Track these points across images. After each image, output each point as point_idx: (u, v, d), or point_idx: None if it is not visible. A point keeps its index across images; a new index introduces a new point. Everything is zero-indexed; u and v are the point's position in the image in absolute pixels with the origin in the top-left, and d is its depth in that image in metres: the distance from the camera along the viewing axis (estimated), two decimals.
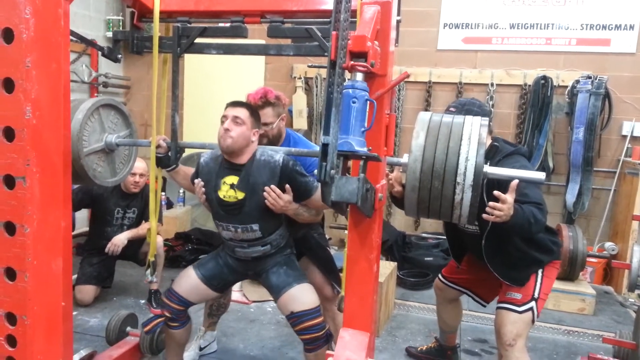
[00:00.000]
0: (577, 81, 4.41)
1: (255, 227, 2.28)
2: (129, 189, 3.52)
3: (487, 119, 1.86)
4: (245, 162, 2.26)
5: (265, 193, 2.19)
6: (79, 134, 2.14)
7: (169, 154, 2.39)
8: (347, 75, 1.50)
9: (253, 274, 2.45)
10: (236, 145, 2.20)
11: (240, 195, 2.24)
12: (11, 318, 1.16)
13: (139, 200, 3.61)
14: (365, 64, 1.45)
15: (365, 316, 1.70)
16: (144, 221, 3.59)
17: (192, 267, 2.46)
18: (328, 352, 1.67)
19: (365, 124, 1.50)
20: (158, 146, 2.36)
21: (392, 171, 2.26)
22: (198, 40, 2.20)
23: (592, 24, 4.56)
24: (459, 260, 2.63)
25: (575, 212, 4.51)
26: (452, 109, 2.36)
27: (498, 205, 1.93)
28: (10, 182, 1.12)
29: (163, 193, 4.56)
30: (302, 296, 2.27)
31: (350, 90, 1.47)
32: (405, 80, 4.90)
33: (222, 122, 2.22)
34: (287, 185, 2.22)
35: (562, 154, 4.67)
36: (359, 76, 1.49)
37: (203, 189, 2.30)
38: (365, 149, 1.49)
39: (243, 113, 2.21)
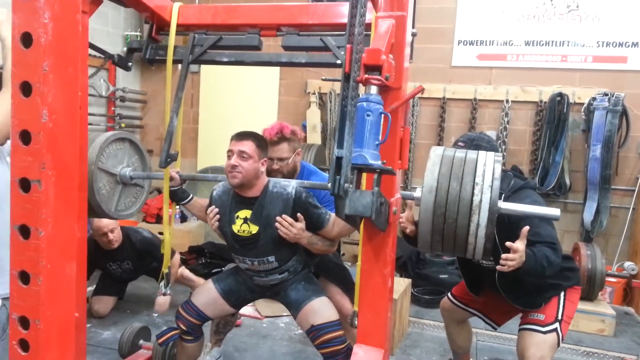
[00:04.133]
0: (594, 98, 4.37)
1: (272, 258, 2.29)
2: (109, 248, 3.33)
3: (500, 154, 1.85)
4: (257, 195, 2.25)
5: (277, 223, 2.19)
6: (102, 145, 2.19)
7: (182, 186, 2.40)
8: (362, 89, 1.51)
9: (271, 295, 2.45)
10: (245, 179, 2.19)
11: (254, 229, 2.24)
12: (24, 322, 1.16)
13: (128, 251, 3.41)
14: (379, 77, 1.45)
15: (380, 332, 1.68)
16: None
17: (212, 281, 2.47)
18: None
19: (380, 138, 1.49)
20: (171, 179, 2.34)
21: (403, 211, 2.26)
22: (210, 50, 2.22)
23: (608, 41, 4.53)
24: (476, 292, 2.55)
25: (594, 231, 4.43)
26: (460, 143, 2.34)
27: (510, 255, 1.91)
28: (25, 185, 1.13)
29: (178, 207, 4.58)
30: (322, 309, 2.26)
31: (364, 104, 1.47)
32: (420, 96, 4.91)
33: (229, 157, 2.20)
34: (299, 214, 2.21)
35: (579, 171, 4.61)
36: (374, 89, 1.49)
37: (217, 217, 2.30)
38: (379, 162, 1.48)
39: (249, 147, 2.19)
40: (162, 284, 2.47)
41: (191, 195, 2.46)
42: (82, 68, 2.01)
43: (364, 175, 1.61)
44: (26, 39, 1.11)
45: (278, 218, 2.19)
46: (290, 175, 2.56)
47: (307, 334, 2.28)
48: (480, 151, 1.75)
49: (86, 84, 2.09)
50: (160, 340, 2.40)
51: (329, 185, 1.39)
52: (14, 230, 1.14)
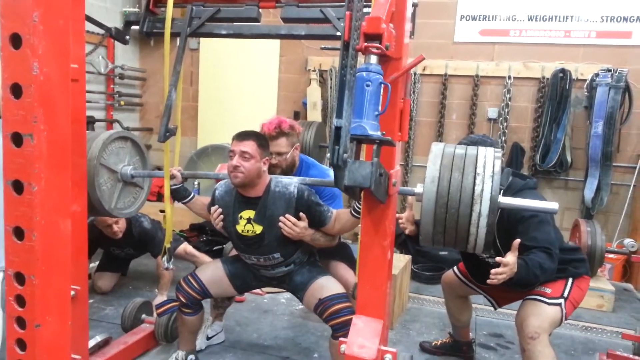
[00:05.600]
0: (597, 74, 4.32)
1: (277, 255, 2.31)
2: (113, 237, 3.30)
3: (500, 150, 1.85)
4: (260, 195, 2.26)
5: (280, 223, 2.21)
6: (105, 142, 2.23)
7: (183, 184, 2.41)
8: (362, 62, 1.48)
9: (277, 284, 2.48)
10: (247, 179, 2.19)
11: (258, 229, 2.26)
12: (20, 278, 1.16)
13: (130, 240, 3.37)
14: (379, 45, 1.43)
15: (379, 303, 1.69)
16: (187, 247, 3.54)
17: (221, 261, 2.51)
18: (341, 339, 1.65)
19: (379, 108, 1.48)
20: (172, 177, 2.34)
21: (403, 210, 2.26)
22: (209, 23, 2.19)
23: (612, 16, 4.46)
24: (482, 283, 2.55)
25: (594, 208, 4.43)
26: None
27: (500, 270, 1.91)
28: (17, 139, 1.12)
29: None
30: (328, 284, 2.29)
31: (364, 74, 1.46)
32: (421, 72, 4.87)
33: (230, 157, 2.20)
34: (302, 213, 2.23)
35: (580, 148, 4.59)
36: (373, 59, 1.47)
37: (221, 216, 2.31)
38: (378, 133, 1.47)
39: (250, 147, 2.18)
40: (164, 258, 2.48)
41: (192, 194, 2.48)
42: (79, 40, 2.00)
43: (364, 146, 1.60)
44: None
45: (281, 218, 2.21)
46: (289, 169, 2.57)
47: (315, 311, 2.28)
48: (480, 147, 1.74)
49: (83, 58, 2.07)
50: (159, 311, 2.43)
51: (329, 180, 1.38)
52: (7, 186, 1.13)
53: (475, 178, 1.60)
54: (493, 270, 1.91)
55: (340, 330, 2.17)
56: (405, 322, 3.35)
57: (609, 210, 4.58)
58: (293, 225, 2.20)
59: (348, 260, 2.65)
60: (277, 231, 2.23)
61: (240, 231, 2.29)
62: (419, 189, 1.69)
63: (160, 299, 3.17)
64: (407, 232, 2.29)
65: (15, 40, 1.08)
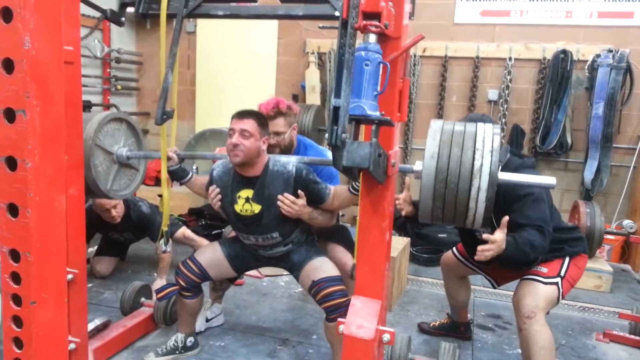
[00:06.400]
0: (598, 55, 4.29)
1: (275, 234, 2.31)
2: (111, 222, 3.28)
3: (499, 127, 1.83)
4: (258, 174, 2.25)
5: (278, 202, 2.20)
6: (100, 122, 2.21)
7: (180, 165, 2.39)
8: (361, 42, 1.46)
9: (275, 263, 2.48)
10: (247, 158, 2.18)
11: (257, 208, 2.25)
12: (15, 255, 1.16)
13: (128, 224, 3.36)
14: (378, 24, 1.40)
15: (377, 284, 1.69)
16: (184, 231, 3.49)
17: (219, 243, 2.51)
18: (340, 319, 1.65)
19: (378, 88, 1.46)
20: (169, 159, 2.32)
21: (401, 192, 2.25)
22: (205, 3, 2.15)
23: None
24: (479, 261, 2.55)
25: (594, 190, 4.43)
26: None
27: (486, 247, 1.89)
28: (10, 115, 1.10)
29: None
30: (323, 265, 2.29)
31: (362, 53, 1.44)
32: (421, 54, 4.83)
33: (230, 136, 2.18)
34: (300, 191, 2.22)
35: (581, 130, 4.57)
36: (372, 38, 1.45)
37: (219, 197, 2.30)
38: (377, 113, 1.45)
39: (250, 125, 2.17)
40: (162, 241, 2.48)
41: (191, 174, 2.46)
42: (73, 22, 1.97)
43: (363, 126, 1.58)
44: None
45: (279, 197, 2.20)
46: (287, 149, 2.56)
47: (309, 291, 2.30)
48: (479, 123, 1.73)
49: (78, 40, 2.03)
50: (159, 295, 2.43)
51: (327, 159, 1.37)
52: (1, 162, 1.12)
53: (474, 153, 1.60)
54: (480, 247, 1.90)
55: (333, 312, 2.18)
56: (404, 304, 3.37)
57: (609, 192, 4.58)
58: (291, 204, 2.20)
59: (346, 243, 2.65)
60: (276, 210, 2.22)
61: (238, 211, 2.28)
62: (417, 166, 1.69)
63: (159, 282, 3.18)
64: (404, 213, 2.28)
65: (6, 14, 1.06)
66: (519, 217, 2.03)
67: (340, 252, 2.61)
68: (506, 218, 1.92)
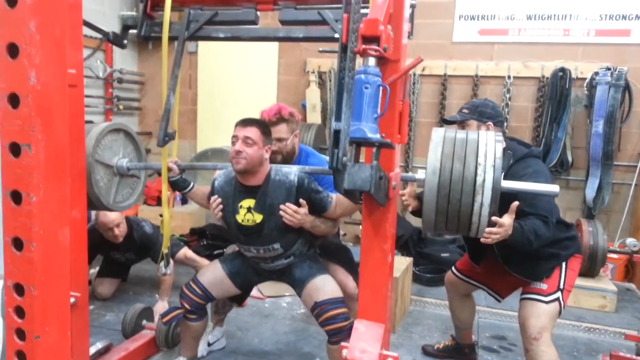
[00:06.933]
0: (596, 73, 4.30)
1: (277, 245, 2.29)
2: (114, 241, 3.28)
3: (501, 134, 1.85)
4: (260, 184, 2.24)
5: (280, 212, 2.19)
6: (98, 137, 2.20)
7: (181, 176, 2.39)
8: (360, 65, 1.47)
9: (277, 277, 2.47)
10: (249, 166, 2.18)
11: (258, 217, 2.24)
12: (19, 289, 1.15)
13: (131, 244, 3.36)
14: (377, 48, 1.42)
15: (380, 307, 1.67)
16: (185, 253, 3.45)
17: (219, 261, 2.49)
18: (343, 343, 1.64)
19: (378, 110, 1.47)
20: (169, 170, 2.33)
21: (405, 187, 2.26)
22: (206, 26, 2.19)
23: (611, 14, 4.45)
24: (477, 262, 2.55)
25: (595, 207, 4.41)
26: (465, 110, 2.32)
27: (494, 230, 1.90)
28: (15, 149, 1.11)
29: None
30: (326, 286, 2.27)
31: (362, 76, 1.45)
32: (420, 73, 4.86)
33: (233, 143, 2.18)
34: (302, 200, 2.21)
35: (581, 147, 4.57)
36: (372, 61, 1.46)
37: (220, 206, 2.29)
38: (378, 136, 1.46)
39: (254, 133, 2.17)
40: (162, 264, 2.47)
41: (192, 184, 2.45)
42: (76, 45, 1.99)
43: (363, 149, 1.58)
44: None
45: (281, 206, 2.19)
46: (289, 157, 2.56)
47: (311, 312, 2.28)
48: (481, 131, 1.74)
49: (81, 62, 2.06)
50: (165, 320, 2.41)
51: (329, 169, 1.38)
52: (6, 196, 1.13)
53: (476, 168, 1.60)
54: (487, 229, 1.88)
55: (335, 336, 2.17)
56: (407, 325, 3.34)
57: (611, 210, 4.56)
58: (294, 213, 2.19)
59: (347, 265, 2.64)
60: (277, 220, 2.21)
61: (240, 221, 2.27)
62: (420, 175, 1.70)
63: (161, 304, 3.15)
64: (410, 208, 2.29)
65: (12, 50, 1.08)
66: (524, 204, 2.01)
67: (341, 273, 2.59)
68: (516, 203, 1.91)
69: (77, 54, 1.99)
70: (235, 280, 2.44)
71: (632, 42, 4.41)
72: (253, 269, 2.44)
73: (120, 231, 3.20)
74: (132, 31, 2.41)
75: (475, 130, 1.98)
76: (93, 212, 3.30)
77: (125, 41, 2.38)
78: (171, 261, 2.58)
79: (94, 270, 3.64)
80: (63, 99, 1.19)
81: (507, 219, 1.91)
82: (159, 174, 5.05)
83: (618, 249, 4.25)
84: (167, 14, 2.15)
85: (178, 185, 2.40)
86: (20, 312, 1.15)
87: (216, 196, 2.32)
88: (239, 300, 2.74)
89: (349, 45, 1.39)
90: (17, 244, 1.13)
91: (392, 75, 1.59)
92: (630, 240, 4.27)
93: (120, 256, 3.48)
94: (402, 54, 1.64)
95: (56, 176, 1.17)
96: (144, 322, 2.86)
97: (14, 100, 1.09)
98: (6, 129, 1.10)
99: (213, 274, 2.44)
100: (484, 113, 2.27)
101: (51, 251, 1.17)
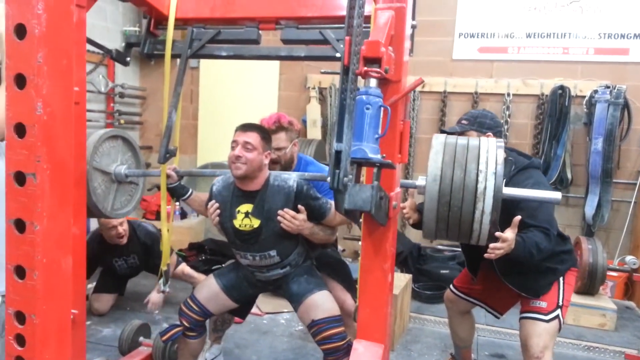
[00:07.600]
0: (596, 91, 4.33)
1: (273, 253, 2.27)
2: (118, 243, 3.34)
3: (502, 140, 1.85)
4: (259, 189, 2.24)
5: (279, 217, 2.19)
6: (96, 144, 2.19)
7: (180, 182, 2.40)
8: (361, 83, 1.49)
9: (273, 289, 2.45)
10: (249, 171, 2.18)
11: (256, 223, 2.23)
12: (20, 317, 1.14)
13: (134, 245, 3.40)
14: (379, 69, 1.43)
15: (380, 327, 1.66)
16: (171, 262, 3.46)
17: (213, 276, 2.47)
18: None
19: (379, 131, 1.47)
20: (168, 176, 2.33)
21: (405, 200, 2.26)
22: (209, 44, 2.21)
23: (610, 33, 4.49)
24: (475, 274, 2.56)
25: (595, 225, 4.41)
26: (464, 121, 2.33)
27: (498, 245, 1.91)
28: (20, 178, 1.11)
29: (177, 203, 4.56)
30: (324, 303, 2.25)
31: (363, 97, 1.45)
32: (420, 90, 4.89)
33: (233, 148, 2.19)
34: (300, 206, 2.21)
35: (580, 165, 4.58)
36: (373, 82, 1.47)
37: (218, 211, 2.28)
38: (379, 156, 1.46)
39: (254, 138, 2.18)
40: (161, 281, 2.46)
41: (190, 191, 2.45)
42: (80, 63, 2.01)
43: (364, 169, 1.59)
44: (20, 30, 1.09)
45: (280, 212, 2.18)
46: (288, 165, 2.57)
47: (308, 329, 2.27)
48: (482, 137, 1.75)
49: (84, 79, 2.07)
50: (164, 338, 2.39)
51: (328, 178, 1.39)
52: (10, 225, 1.13)
53: (477, 176, 1.59)
54: (491, 245, 1.90)
55: (332, 355, 2.16)
56: (407, 343, 3.32)
57: (610, 227, 4.56)
58: (292, 219, 2.18)
59: (345, 281, 2.62)
60: (275, 225, 2.20)
61: (237, 226, 2.25)
62: (420, 181, 1.69)
63: (155, 295, 3.17)
64: (411, 221, 2.29)
65: (20, 81, 1.09)
66: (525, 216, 2.01)
67: (339, 290, 2.57)
68: (518, 218, 1.92)
69: (80, 72, 2.00)
70: (230, 295, 2.41)
71: (631, 61, 4.45)
72: (248, 281, 2.41)
73: (124, 229, 3.22)
74: (135, 48, 2.44)
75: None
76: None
77: (128, 58, 2.40)
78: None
79: (90, 286, 3.63)
80: (69, 126, 1.20)
81: (510, 234, 1.91)
82: (159, 188, 5.07)
83: (617, 267, 4.25)
84: (170, 32, 2.17)
85: (177, 192, 2.40)
86: (20, 340, 1.14)
87: (213, 201, 2.31)
88: (240, 314, 2.71)
89: (350, 67, 1.40)
90: (20, 272, 1.13)
91: (393, 96, 1.60)
92: (629, 258, 4.25)
93: (123, 263, 3.46)
94: (403, 74, 1.65)
95: (60, 205, 1.17)
96: (141, 338, 2.83)
97: (20, 130, 1.10)
98: (12, 158, 1.11)
99: (208, 290, 2.42)
100: (483, 124, 2.28)
101: (54, 279, 1.17)
